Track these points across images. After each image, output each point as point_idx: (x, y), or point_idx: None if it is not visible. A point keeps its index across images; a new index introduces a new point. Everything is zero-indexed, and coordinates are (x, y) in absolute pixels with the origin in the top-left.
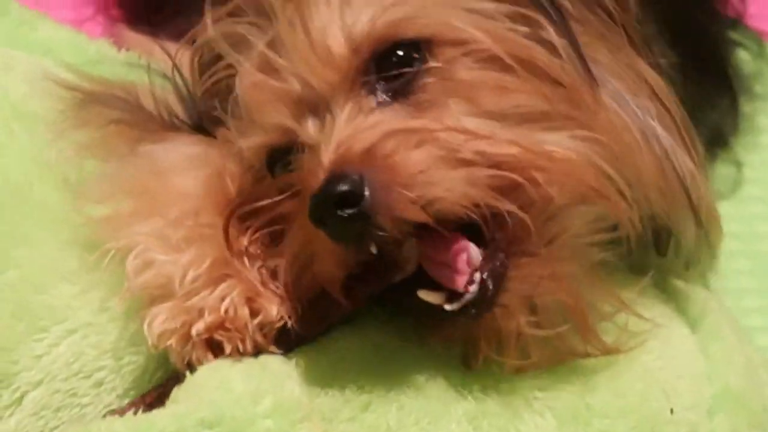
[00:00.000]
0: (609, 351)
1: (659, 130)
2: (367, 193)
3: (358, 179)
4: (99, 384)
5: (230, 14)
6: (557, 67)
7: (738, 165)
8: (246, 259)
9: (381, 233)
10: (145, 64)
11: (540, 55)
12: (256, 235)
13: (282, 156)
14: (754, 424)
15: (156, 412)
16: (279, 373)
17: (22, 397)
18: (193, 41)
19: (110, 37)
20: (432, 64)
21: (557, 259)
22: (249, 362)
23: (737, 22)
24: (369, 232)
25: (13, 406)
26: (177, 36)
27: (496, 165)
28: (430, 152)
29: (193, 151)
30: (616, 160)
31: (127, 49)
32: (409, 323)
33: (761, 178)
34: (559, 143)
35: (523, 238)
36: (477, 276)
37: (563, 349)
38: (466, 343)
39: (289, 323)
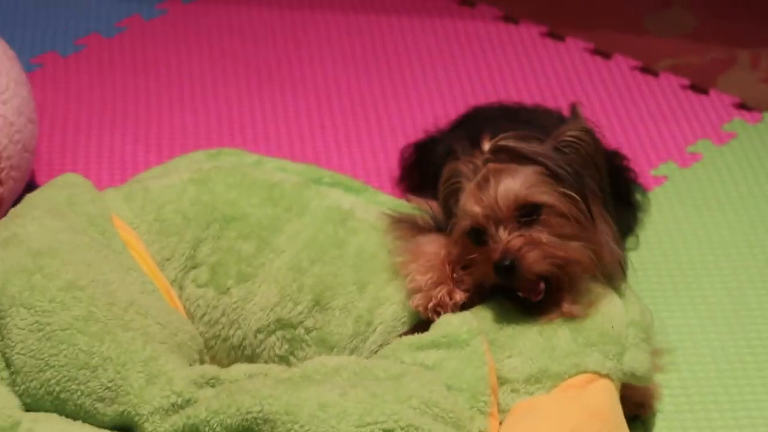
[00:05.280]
0: (587, 312)
1: (610, 242)
2: (516, 266)
3: (512, 261)
4: (404, 324)
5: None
6: (582, 216)
7: (637, 237)
8: (452, 277)
9: (517, 279)
10: (417, 207)
11: (575, 212)
12: (458, 267)
13: (477, 233)
14: (645, 330)
15: (423, 333)
16: (470, 317)
17: (375, 330)
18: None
19: (405, 198)
20: (542, 215)
21: (574, 292)
22: (459, 313)
23: (635, 181)
24: (513, 279)
25: (370, 334)
26: (431, 195)
27: (557, 258)
28: (538, 252)
29: (434, 237)
30: (597, 255)
31: (411, 202)
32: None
33: (644, 242)
34: (578, 250)
35: (562, 285)
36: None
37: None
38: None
39: (463, 301)
